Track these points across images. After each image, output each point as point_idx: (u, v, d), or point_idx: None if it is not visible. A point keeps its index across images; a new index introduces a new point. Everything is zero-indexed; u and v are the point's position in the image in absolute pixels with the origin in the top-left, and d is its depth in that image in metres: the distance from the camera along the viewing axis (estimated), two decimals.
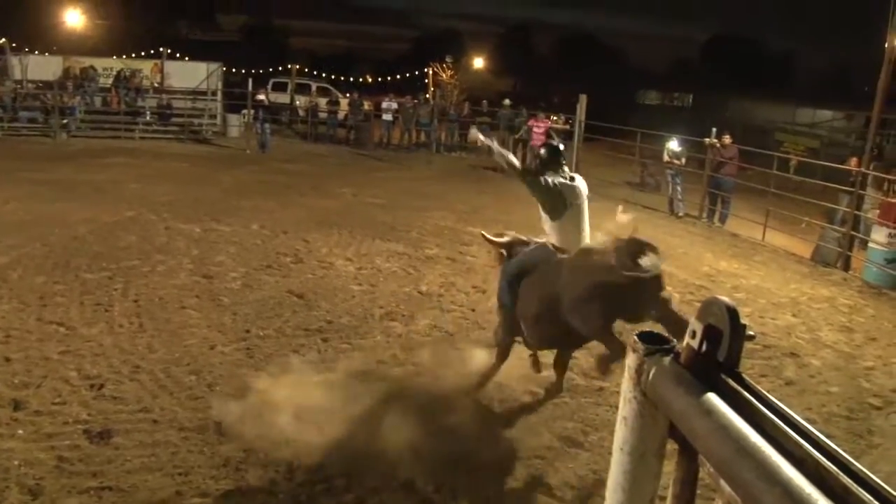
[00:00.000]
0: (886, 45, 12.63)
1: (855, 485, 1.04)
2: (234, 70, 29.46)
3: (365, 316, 8.65)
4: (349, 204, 14.84)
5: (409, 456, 5.71)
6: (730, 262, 12.59)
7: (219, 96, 25.43)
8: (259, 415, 6.13)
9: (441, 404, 6.63)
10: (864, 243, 12.69)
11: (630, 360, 1.42)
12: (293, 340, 7.79)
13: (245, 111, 23.83)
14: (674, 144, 16.72)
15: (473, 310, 9.09)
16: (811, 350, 8.75)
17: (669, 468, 1.53)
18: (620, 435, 1.45)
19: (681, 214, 16.25)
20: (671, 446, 1.51)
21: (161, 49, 26.61)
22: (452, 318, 8.80)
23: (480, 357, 7.49)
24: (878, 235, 12.18)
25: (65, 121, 22.05)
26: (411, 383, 7.03)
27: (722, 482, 1.21)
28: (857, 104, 27.41)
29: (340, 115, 26.08)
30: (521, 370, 7.42)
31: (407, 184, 17.59)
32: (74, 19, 29.73)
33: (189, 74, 25.32)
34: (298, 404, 6.35)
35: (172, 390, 6.46)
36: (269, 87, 28.25)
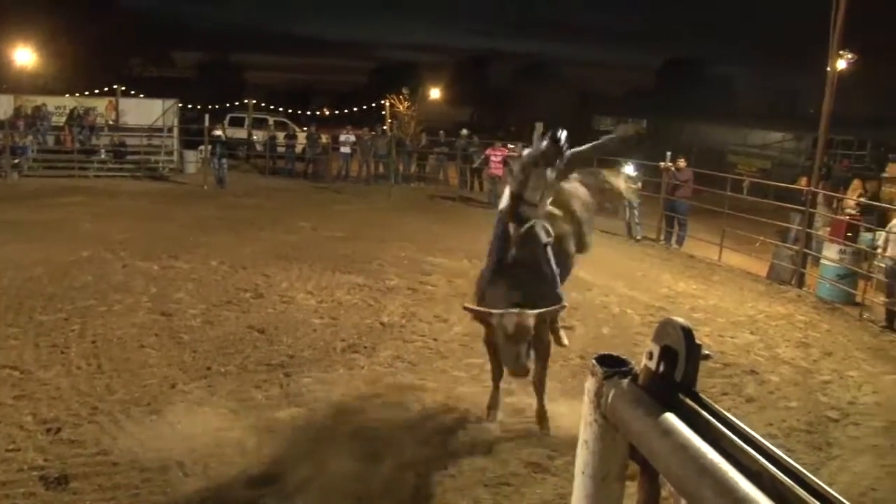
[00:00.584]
0: (829, 69, 12.99)
1: (810, 497, 1.06)
2: (189, 106, 29.31)
3: (327, 349, 8.60)
4: (308, 237, 14.78)
5: (378, 488, 5.67)
6: (688, 282, 12.75)
7: (175, 132, 25.24)
8: (222, 453, 6.05)
9: (407, 435, 6.60)
10: (817, 260, 12.94)
11: (589, 383, 1.43)
12: (255, 376, 7.71)
13: (202, 147, 23.69)
14: (629, 169, 16.92)
15: (436, 339, 9.09)
16: (770, 367, 8.88)
17: (632, 490, 1.54)
18: (582, 458, 1.46)
19: (638, 238, 16.43)
20: (633, 468, 1.52)
21: (115, 86, 26.41)
22: (415, 348, 8.78)
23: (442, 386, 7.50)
24: (830, 252, 12.48)
25: (16, 161, 21.60)
26: (376, 416, 6.98)
27: (683, 502, 1.22)
28: (805, 126, 28.04)
29: (298, 149, 25.99)
30: (486, 399, 7.43)
31: (366, 215, 17.58)
32: (25, 57, 29.38)
33: (144, 111, 25.12)
34: (262, 441, 6.29)
35: (132, 431, 6.35)
36: (226, 122, 28.16)
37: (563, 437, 6.47)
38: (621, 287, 11.75)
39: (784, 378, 8.52)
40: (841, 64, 13.03)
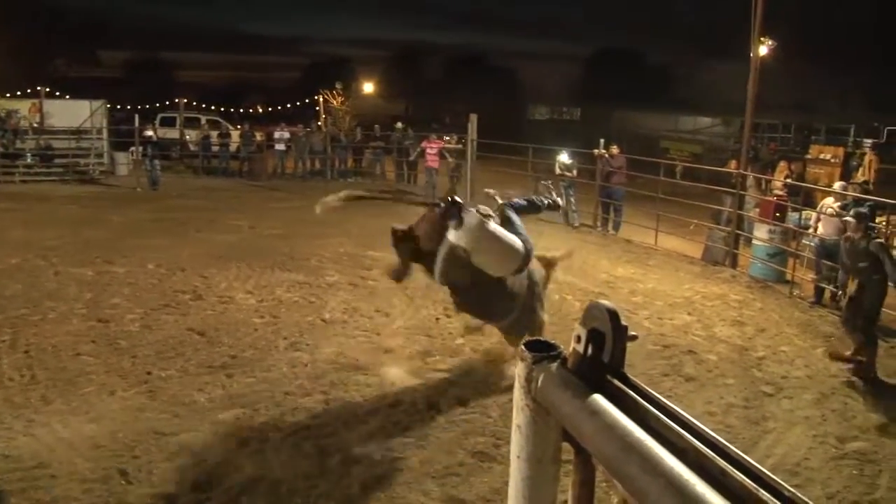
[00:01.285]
0: (752, 55, 13.32)
1: (731, 467, 1.10)
2: (119, 107, 28.65)
3: (269, 348, 8.55)
4: (246, 236, 14.62)
5: (326, 485, 5.68)
6: (626, 267, 12.97)
7: (104, 134, 24.63)
8: (166, 458, 5.99)
9: (353, 431, 6.62)
10: (749, 241, 13.30)
11: (519, 369, 1.46)
12: (197, 379, 7.62)
13: (133, 148, 23.19)
14: (564, 157, 17.14)
15: (378, 334, 9.11)
16: (707, 346, 9.11)
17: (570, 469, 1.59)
18: (516, 443, 1.49)
19: (576, 225, 16.65)
20: (569, 450, 1.57)
21: (39, 88, 25.66)
22: (357, 343, 8.79)
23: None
24: (760, 232, 12.85)
25: None
26: (321, 413, 6.97)
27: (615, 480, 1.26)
28: (734, 111, 28.72)
29: (232, 148, 25.64)
30: (431, 391, 7.48)
31: (303, 212, 17.33)
32: None
33: (71, 113, 24.42)
34: (206, 444, 6.24)
35: (71, 442, 6.22)
36: (157, 122, 27.61)
37: (509, 425, 6.54)
38: (560, 274, 11.86)
39: (721, 356, 8.75)
40: (762, 50, 13.36)
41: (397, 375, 7.90)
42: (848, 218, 8.71)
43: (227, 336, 8.84)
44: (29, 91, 25.89)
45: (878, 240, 8.56)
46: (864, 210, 8.92)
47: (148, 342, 8.60)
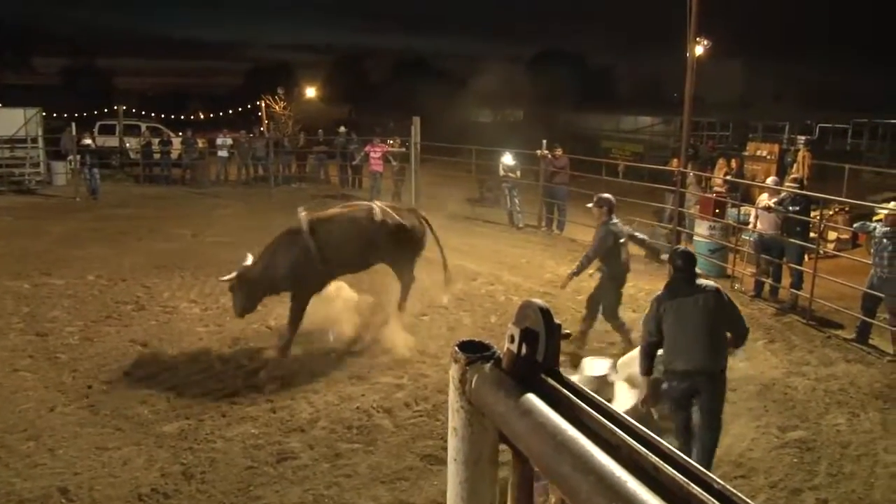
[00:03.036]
0: (688, 55, 13.57)
1: (663, 463, 1.11)
2: (55, 115, 27.98)
3: (214, 357, 8.45)
4: (189, 245, 14.40)
5: (272, 494, 5.63)
6: (570, 266, 13.00)
7: (40, 143, 24.01)
8: (109, 474, 5.88)
9: (299, 438, 6.58)
10: (690, 237, 13.51)
11: (453, 370, 1.46)
12: (140, 391, 7.49)
13: (70, 157, 22.68)
14: (507, 158, 17.23)
15: (325, 341, 9.03)
16: None
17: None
18: (453, 445, 1.48)
19: (521, 226, 16.75)
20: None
21: None
22: (303, 349, 8.70)
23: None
24: (701, 229, 13.07)
25: None
26: (267, 421, 6.91)
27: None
28: (674, 110, 29.18)
29: (174, 155, 25.23)
30: (378, 396, 7.47)
31: (247, 219, 17.18)
32: None
33: (4, 122, 23.72)
34: (151, 457, 6.14)
35: (8, 461, 6.06)
36: (96, 130, 27.00)
37: None
38: (506, 275, 11.98)
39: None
40: (698, 50, 13.62)
41: (342, 381, 7.87)
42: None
43: (171, 346, 8.72)
44: None
45: None
46: None
47: (89, 355, 8.44)
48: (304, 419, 6.98)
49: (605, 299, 8.75)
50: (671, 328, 5.77)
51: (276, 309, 10.06)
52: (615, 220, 8.58)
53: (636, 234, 9.72)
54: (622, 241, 8.57)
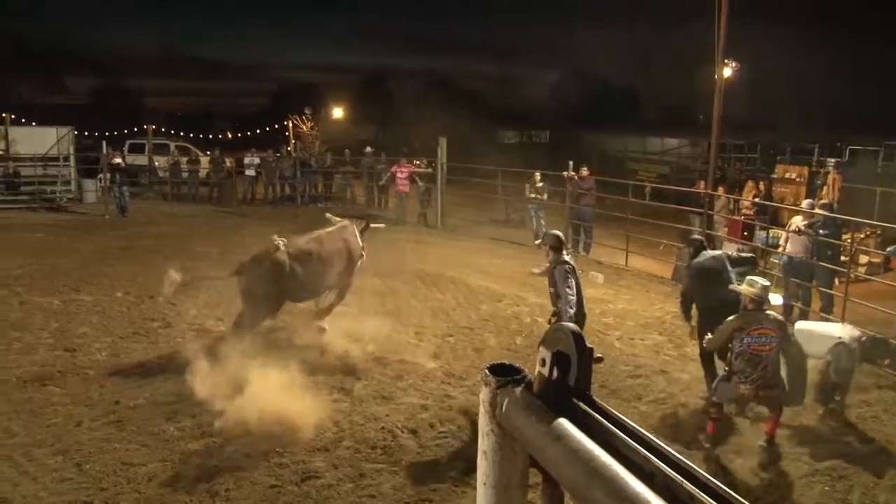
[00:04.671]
0: (717, 77, 13.52)
1: (699, 491, 1.09)
2: (87, 133, 28.38)
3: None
4: (216, 263, 14.43)
5: None
6: (597, 288, 13.00)
7: (71, 161, 24.37)
8: (133, 490, 5.89)
9: (322, 459, 6.56)
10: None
11: (483, 393, 1.44)
12: (166, 408, 7.51)
13: (101, 175, 22.97)
14: (537, 180, 17.28)
15: (351, 358, 9.02)
16: (679, 365, 9.16)
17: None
18: (482, 469, 1.46)
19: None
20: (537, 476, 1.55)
21: (4, 114, 25.37)
22: (329, 367, 8.71)
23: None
24: (729, 251, 12.90)
25: None
26: (292, 441, 6.90)
27: None
28: (701, 132, 29.01)
29: (202, 174, 25.49)
30: (403, 416, 7.44)
31: None
32: None
33: (37, 140, 24.14)
34: (175, 474, 6.15)
35: (36, 475, 6.09)
36: (126, 148, 27.33)
37: None
38: (532, 297, 11.91)
39: (693, 376, 8.78)
40: (727, 72, 13.57)
41: (366, 402, 7.85)
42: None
43: (198, 364, 8.72)
44: None
45: None
46: None
47: (116, 371, 8.48)
48: (329, 438, 6.96)
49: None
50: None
51: (300, 327, 10.10)
52: (566, 257, 8.19)
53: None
54: (577, 274, 8.18)
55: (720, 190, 14.57)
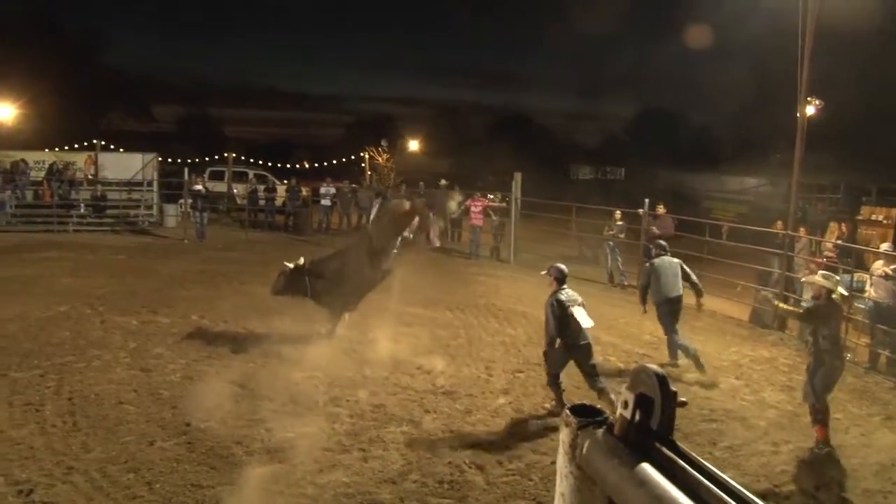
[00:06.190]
0: (798, 115, 13.19)
1: None
2: (170, 160, 29.30)
3: (309, 403, 8.48)
4: None
5: None
6: None
7: (155, 186, 25.19)
8: None
9: (389, 490, 6.49)
10: (798, 303, 12.96)
11: (563, 434, 1.39)
12: (236, 432, 7.57)
13: (182, 200, 23.63)
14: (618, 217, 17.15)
15: (417, 391, 9.01)
16: (757, 411, 8.84)
17: None
18: None
19: (626, 284, 16.46)
20: None
21: (95, 141, 26.38)
22: (398, 400, 8.68)
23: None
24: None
25: None
26: (359, 470, 6.86)
27: None
28: (780, 171, 28.36)
29: (279, 202, 25.99)
30: (471, 451, 7.35)
31: None
32: (5, 113, 29.30)
33: (124, 165, 25.10)
34: (242, 498, 6.16)
35: (109, 491, 6.20)
36: (207, 175, 28.08)
37: (550, 489, 6.37)
38: (603, 335, 11.70)
39: (771, 422, 8.48)
40: (809, 110, 13.23)
41: (437, 433, 7.78)
42: None
43: (268, 389, 8.80)
44: (86, 144, 26.66)
45: None
46: None
47: (189, 393, 8.60)
48: (396, 470, 6.90)
49: (551, 365, 8.64)
50: None
51: (372, 358, 10.11)
52: (564, 288, 8.60)
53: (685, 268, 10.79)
54: (571, 308, 8.39)
55: (801, 231, 14.12)
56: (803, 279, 10.41)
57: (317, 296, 11.08)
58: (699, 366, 9.99)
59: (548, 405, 8.62)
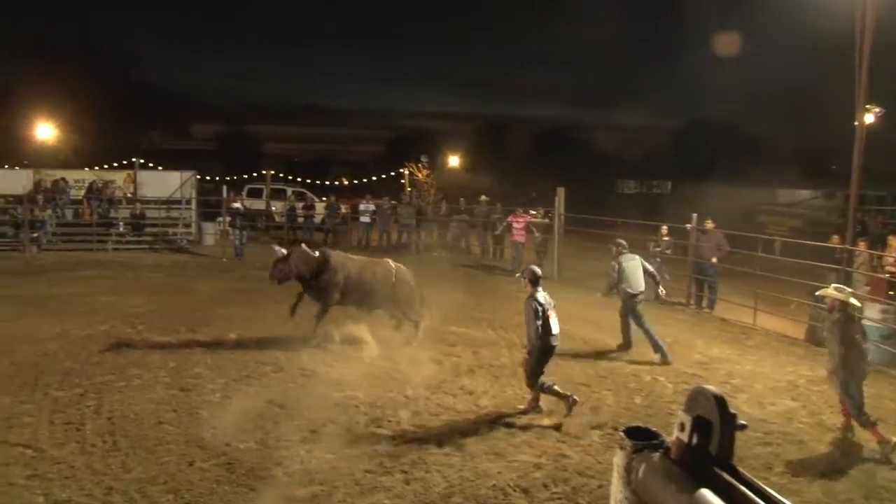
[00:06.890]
0: (856, 124, 12.78)
1: None
2: (208, 178, 29.55)
3: (350, 423, 8.30)
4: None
5: None
6: (721, 347, 12.38)
7: (193, 204, 25.34)
8: None
9: None
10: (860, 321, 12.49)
11: (618, 458, 1.38)
12: (275, 452, 7.41)
13: (220, 218, 23.73)
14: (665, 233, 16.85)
15: (459, 412, 8.78)
16: (816, 435, 8.48)
17: None
18: None
19: (663, 294, 16.11)
20: None
21: (134, 159, 26.69)
22: (439, 421, 8.48)
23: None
24: (871, 312, 11.96)
25: (35, 234, 21.64)
26: (400, 493, 6.64)
27: None
28: (835, 182, 27.78)
29: (317, 219, 26.00)
30: (515, 474, 7.10)
31: None
32: (46, 133, 29.84)
33: (163, 183, 25.33)
34: None
35: None
36: (245, 193, 28.25)
37: None
38: (651, 353, 11.39)
39: (832, 447, 8.10)
40: (868, 118, 12.82)
41: (481, 456, 7.54)
42: None
43: (308, 409, 8.64)
44: (125, 162, 26.99)
45: None
46: None
47: (228, 413, 8.46)
48: (438, 493, 6.69)
49: (531, 367, 8.73)
50: None
51: (414, 378, 9.90)
52: (539, 291, 8.78)
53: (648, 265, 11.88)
54: (547, 311, 8.67)
55: (861, 245, 13.66)
56: (817, 293, 10.20)
57: (320, 289, 11.71)
58: (627, 345, 11.66)
59: (596, 427, 8.34)
